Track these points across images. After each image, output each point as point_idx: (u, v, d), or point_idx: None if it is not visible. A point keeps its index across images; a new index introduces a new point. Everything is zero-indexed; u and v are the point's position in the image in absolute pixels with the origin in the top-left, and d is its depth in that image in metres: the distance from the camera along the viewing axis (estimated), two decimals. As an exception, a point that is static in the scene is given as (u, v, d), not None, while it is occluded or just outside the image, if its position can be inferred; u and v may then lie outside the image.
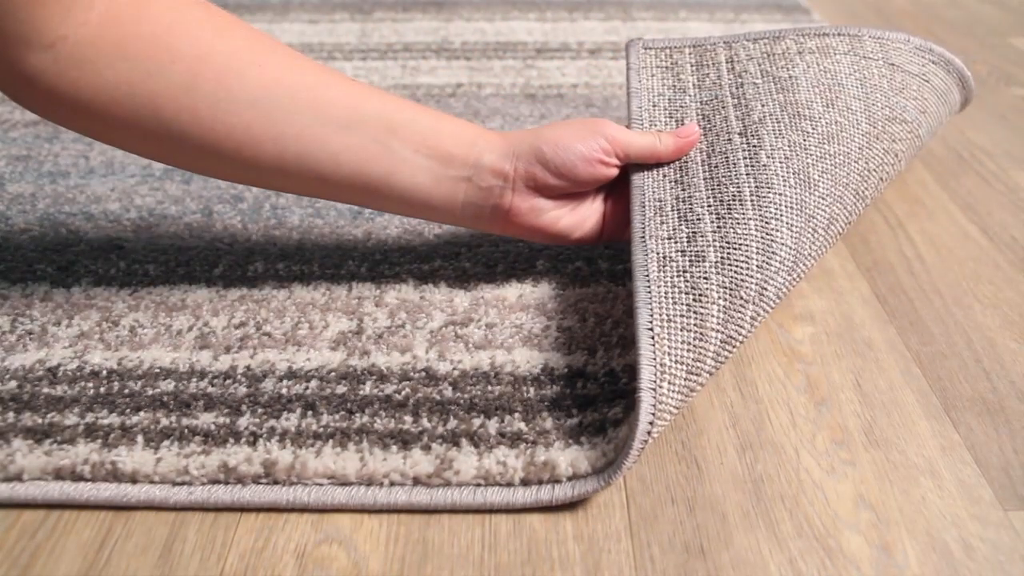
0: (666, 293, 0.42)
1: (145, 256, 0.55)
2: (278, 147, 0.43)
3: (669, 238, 0.45)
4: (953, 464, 0.42)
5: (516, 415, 0.43)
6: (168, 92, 0.40)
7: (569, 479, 0.39)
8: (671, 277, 0.42)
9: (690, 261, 0.43)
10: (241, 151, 0.42)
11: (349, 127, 0.43)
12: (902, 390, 0.46)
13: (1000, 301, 0.53)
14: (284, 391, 0.44)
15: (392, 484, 0.40)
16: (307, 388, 0.44)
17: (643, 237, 0.45)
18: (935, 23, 1.03)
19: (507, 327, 0.49)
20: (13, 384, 0.45)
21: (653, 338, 0.40)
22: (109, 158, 0.67)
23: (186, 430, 0.42)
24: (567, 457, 0.40)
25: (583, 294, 0.52)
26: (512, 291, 0.52)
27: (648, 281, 0.43)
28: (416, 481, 0.40)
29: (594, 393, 0.44)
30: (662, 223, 0.46)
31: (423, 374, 0.45)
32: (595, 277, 0.53)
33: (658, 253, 0.44)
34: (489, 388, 0.44)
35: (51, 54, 0.38)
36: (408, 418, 0.43)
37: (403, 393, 0.44)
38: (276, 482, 0.40)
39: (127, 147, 0.44)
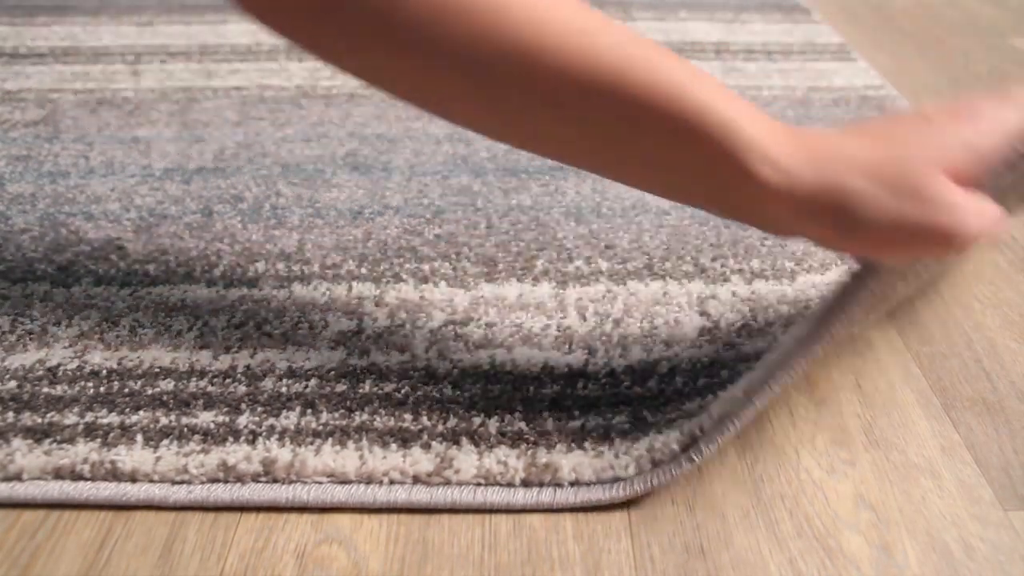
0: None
1: (145, 256, 0.55)
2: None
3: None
4: (953, 464, 0.42)
5: (516, 414, 0.43)
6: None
7: (571, 483, 0.39)
8: None
9: None
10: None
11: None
12: (902, 390, 0.46)
13: (1000, 301, 0.53)
14: (284, 390, 0.44)
15: (392, 482, 0.40)
16: (307, 387, 0.44)
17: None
18: (935, 23, 1.03)
19: (507, 326, 0.49)
20: (13, 384, 0.45)
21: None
22: (109, 158, 0.67)
23: (185, 429, 0.42)
24: (570, 461, 0.40)
25: (583, 293, 0.52)
26: (512, 290, 0.52)
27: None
28: (416, 479, 0.40)
29: (596, 394, 0.44)
30: None
31: (423, 373, 0.45)
32: (595, 276, 0.53)
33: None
34: (489, 387, 0.44)
35: None
36: (408, 416, 0.43)
37: (403, 391, 0.44)
38: (275, 480, 0.40)
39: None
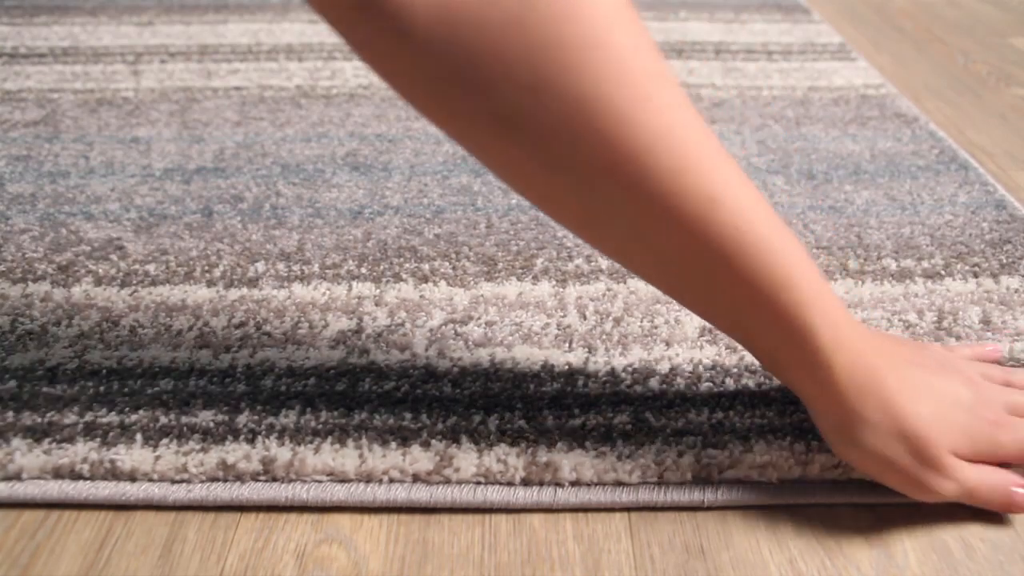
0: None
1: (145, 256, 0.55)
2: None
3: None
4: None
5: (516, 412, 0.43)
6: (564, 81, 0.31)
7: (572, 483, 0.39)
8: None
9: None
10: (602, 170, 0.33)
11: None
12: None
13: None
14: (283, 389, 0.44)
15: (391, 481, 0.40)
16: (306, 386, 0.44)
17: None
18: (935, 23, 1.03)
19: (507, 325, 0.49)
20: (13, 384, 0.45)
21: None
22: (109, 158, 0.67)
23: (185, 428, 0.42)
24: (571, 460, 0.40)
25: (583, 292, 0.52)
26: (512, 289, 0.52)
27: None
28: (416, 478, 0.40)
29: (596, 393, 0.44)
30: None
31: (423, 371, 0.45)
32: (595, 275, 0.53)
33: None
34: (489, 385, 0.44)
35: None
36: (407, 414, 0.43)
37: (402, 390, 0.44)
38: (275, 479, 0.40)
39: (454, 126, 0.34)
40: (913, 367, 0.39)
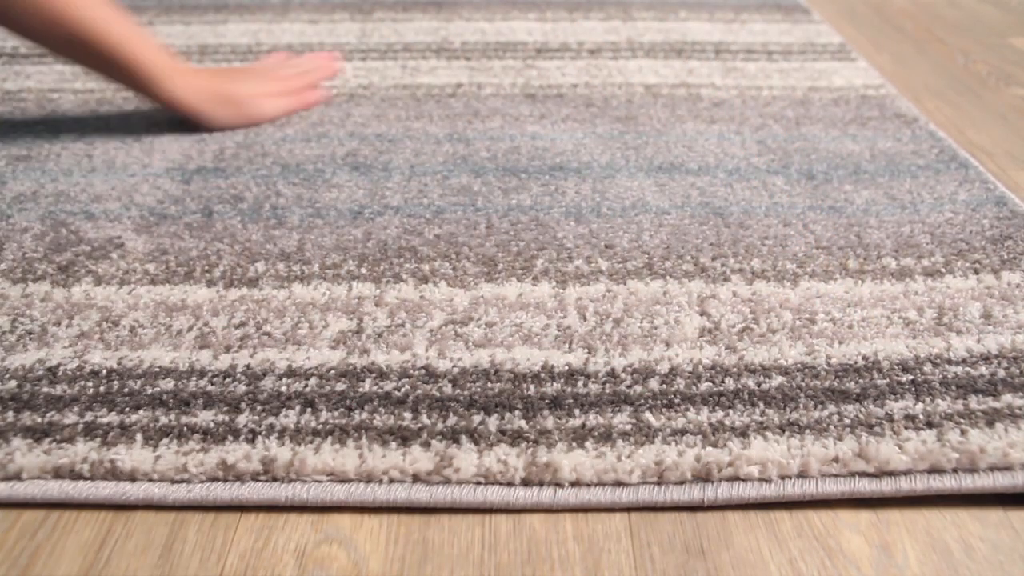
0: None
1: (145, 256, 0.55)
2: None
3: None
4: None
5: (516, 412, 0.43)
6: None
7: (572, 484, 0.39)
8: None
9: None
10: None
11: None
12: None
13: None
14: (283, 389, 0.44)
15: (391, 481, 0.40)
16: (306, 386, 0.44)
17: None
18: (935, 23, 1.03)
19: (507, 325, 0.49)
20: (13, 384, 0.45)
21: None
22: (110, 158, 0.67)
23: (185, 428, 0.42)
24: (570, 460, 0.40)
25: (583, 292, 0.52)
26: (512, 290, 0.52)
27: None
28: (416, 478, 0.40)
29: (596, 393, 0.44)
30: None
31: (423, 371, 0.45)
32: (595, 276, 0.53)
33: None
34: (489, 385, 0.44)
35: None
36: (407, 415, 0.43)
37: (402, 390, 0.44)
38: (275, 479, 0.40)
39: None
40: (229, 73, 0.76)
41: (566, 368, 0.46)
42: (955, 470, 0.40)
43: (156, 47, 0.66)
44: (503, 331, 0.48)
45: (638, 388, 0.44)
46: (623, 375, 0.45)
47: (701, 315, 0.50)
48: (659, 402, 0.43)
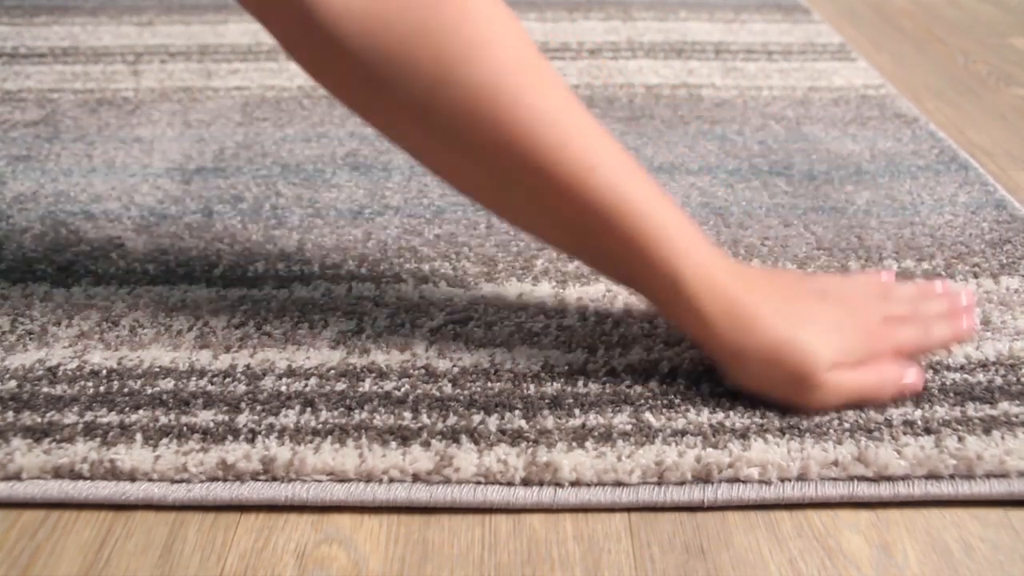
0: None
1: (145, 256, 0.55)
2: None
3: None
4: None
5: (516, 412, 0.43)
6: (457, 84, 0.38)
7: (572, 484, 0.39)
8: None
9: None
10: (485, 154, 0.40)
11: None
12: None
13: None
14: (283, 388, 0.44)
15: (391, 481, 0.40)
16: (306, 385, 0.44)
17: None
18: (935, 23, 1.03)
19: (507, 325, 0.49)
20: (13, 384, 0.45)
21: None
22: (109, 158, 0.67)
23: (185, 428, 0.42)
24: (570, 460, 0.40)
25: (583, 292, 0.52)
26: (512, 290, 0.52)
27: None
28: (416, 478, 0.40)
29: (596, 393, 0.44)
30: None
31: (423, 371, 0.45)
32: (595, 275, 0.53)
33: None
34: (489, 385, 0.44)
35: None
36: (407, 414, 0.43)
37: (402, 390, 0.44)
38: (275, 479, 0.40)
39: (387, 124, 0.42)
40: (790, 299, 0.43)
41: (566, 368, 0.46)
42: (952, 476, 0.40)
43: (700, 246, 0.42)
44: (503, 331, 0.48)
45: (638, 388, 0.44)
46: (623, 375, 0.45)
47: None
48: (659, 402, 0.43)
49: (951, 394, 0.44)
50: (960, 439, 0.41)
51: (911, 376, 0.43)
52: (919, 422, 0.42)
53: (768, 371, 0.41)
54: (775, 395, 0.42)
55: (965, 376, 0.46)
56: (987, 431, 0.42)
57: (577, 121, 0.40)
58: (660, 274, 0.41)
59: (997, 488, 0.39)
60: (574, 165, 0.39)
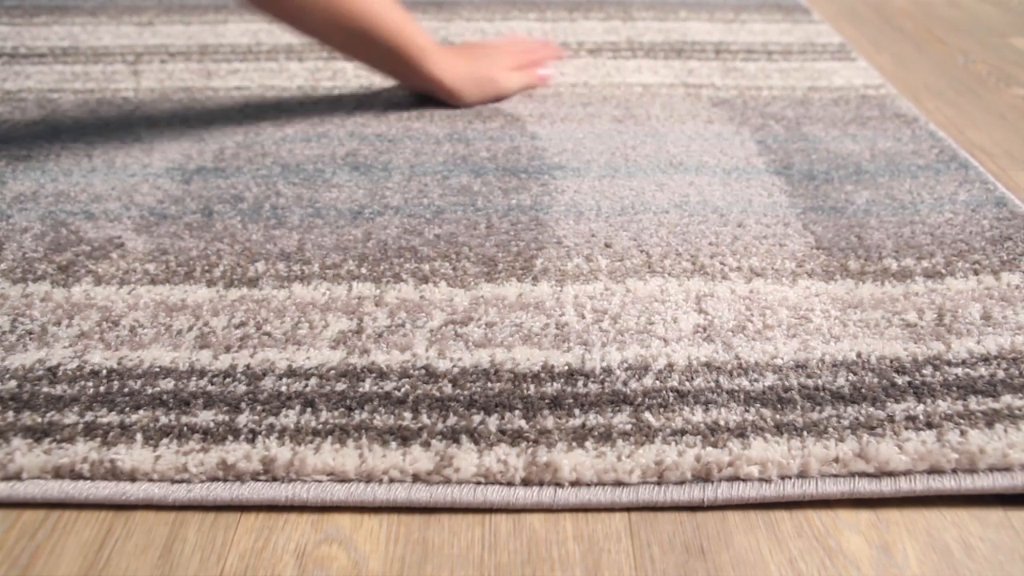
0: None
1: (145, 256, 0.55)
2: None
3: None
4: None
5: (516, 412, 0.43)
6: None
7: (572, 484, 0.39)
8: None
9: None
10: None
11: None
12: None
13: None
14: (283, 389, 0.44)
15: (391, 481, 0.40)
16: (306, 386, 0.44)
17: None
18: (935, 23, 1.03)
19: (507, 325, 0.49)
20: (13, 384, 0.45)
21: None
22: (110, 158, 0.67)
23: (185, 428, 0.42)
24: (570, 460, 0.40)
25: (581, 291, 0.52)
26: (512, 290, 0.52)
27: None
28: (416, 478, 0.40)
29: (595, 393, 0.44)
30: None
31: (423, 372, 0.45)
32: (594, 274, 0.53)
33: None
34: (489, 385, 0.44)
35: None
36: (408, 415, 0.43)
37: (403, 390, 0.44)
38: (275, 479, 0.40)
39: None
40: (472, 53, 0.78)
41: (566, 368, 0.46)
42: (955, 471, 0.40)
43: (421, 31, 0.71)
44: (503, 331, 0.48)
45: (636, 386, 0.44)
46: (620, 372, 0.45)
47: (698, 312, 0.50)
48: (656, 401, 0.43)
49: (953, 388, 0.44)
50: (962, 433, 0.41)
51: (544, 73, 0.81)
52: (921, 417, 0.42)
53: (476, 85, 0.75)
54: (484, 97, 0.76)
55: (967, 370, 0.46)
56: (990, 424, 0.42)
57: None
58: (409, 50, 0.70)
59: (1000, 482, 0.40)
60: (378, 18, 0.68)
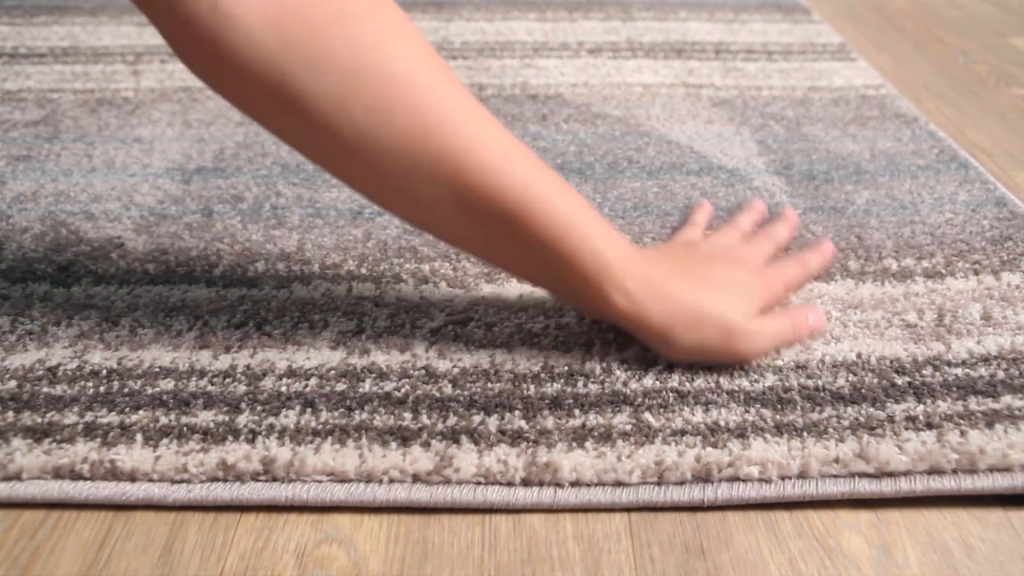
0: None
1: (145, 256, 0.55)
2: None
3: None
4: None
5: (516, 412, 0.43)
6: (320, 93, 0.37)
7: (572, 484, 0.39)
8: None
9: None
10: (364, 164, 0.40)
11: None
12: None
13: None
14: (283, 389, 0.44)
15: (391, 481, 0.40)
16: (306, 386, 0.44)
17: None
18: (935, 23, 1.03)
19: (507, 326, 0.49)
20: (13, 384, 0.45)
21: None
22: (110, 158, 0.67)
23: (185, 428, 0.42)
24: (570, 460, 0.40)
25: (583, 293, 0.52)
26: (512, 290, 0.52)
27: None
28: (416, 478, 0.40)
29: (595, 392, 0.44)
30: None
31: (423, 372, 0.45)
32: (595, 277, 0.53)
33: None
34: (489, 385, 0.44)
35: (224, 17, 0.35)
36: (408, 415, 0.43)
37: (403, 390, 0.44)
38: (275, 479, 0.40)
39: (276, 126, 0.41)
40: (691, 267, 0.47)
41: (565, 368, 0.46)
42: (955, 471, 0.40)
43: (606, 227, 0.43)
44: (503, 331, 0.48)
45: (635, 386, 0.44)
46: (619, 373, 0.45)
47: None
48: (658, 402, 0.43)
49: (953, 389, 0.44)
50: (962, 433, 0.41)
51: (814, 318, 0.48)
52: (921, 417, 0.42)
53: (697, 333, 0.44)
54: (711, 356, 0.45)
55: (967, 371, 0.46)
56: (990, 425, 0.42)
57: (484, 114, 0.41)
58: (584, 262, 0.42)
59: (1000, 482, 0.40)
60: (489, 153, 0.40)
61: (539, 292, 0.52)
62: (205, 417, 0.43)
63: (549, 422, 0.42)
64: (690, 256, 0.49)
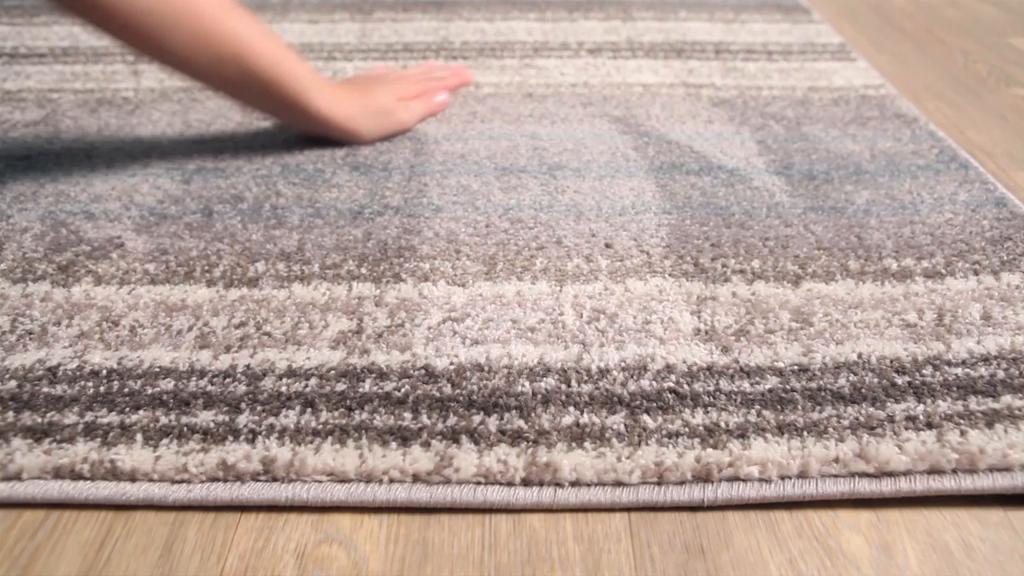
0: None
1: (145, 256, 0.55)
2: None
3: None
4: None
5: (516, 412, 0.43)
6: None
7: (572, 484, 0.39)
8: None
9: None
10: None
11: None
12: (902, 389, 0.46)
13: (1000, 300, 0.53)
14: (283, 389, 0.44)
15: (391, 481, 0.40)
16: (307, 386, 0.44)
17: None
18: (935, 23, 1.03)
19: (504, 322, 0.49)
20: (13, 384, 0.45)
21: None
22: (110, 158, 0.67)
23: (185, 428, 0.42)
24: (570, 460, 0.40)
25: (580, 291, 0.52)
26: (510, 288, 0.52)
27: None
28: (416, 478, 0.40)
29: (595, 393, 0.44)
30: None
31: (422, 371, 0.45)
32: (594, 274, 0.53)
33: None
34: (489, 385, 0.44)
35: None
36: (407, 415, 0.43)
37: (403, 390, 0.44)
38: (275, 479, 0.40)
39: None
40: (363, 83, 0.72)
41: (565, 368, 0.46)
42: (955, 471, 0.40)
43: (303, 62, 0.63)
44: (500, 327, 0.48)
45: (634, 387, 0.44)
46: (618, 373, 0.45)
47: (697, 315, 0.50)
48: (657, 402, 0.43)
49: (953, 388, 0.44)
50: (962, 433, 0.41)
51: (440, 97, 0.75)
52: (921, 417, 0.42)
53: (373, 120, 0.68)
54: (385, 132, 0.69)
55: (967, 371, 0.46)
56: (990, 425, 0.42)
57: (243, 19, 0.60)
58: (291, 83, 0.62)
59: (1000, 482, 0.40)
60: (228, 16, 0.59)
61: (538, 290, 0.52)
62: (205, 417, 0.43)
63: (548, 422, 0.42)
64: (364, 80, 0.73)
